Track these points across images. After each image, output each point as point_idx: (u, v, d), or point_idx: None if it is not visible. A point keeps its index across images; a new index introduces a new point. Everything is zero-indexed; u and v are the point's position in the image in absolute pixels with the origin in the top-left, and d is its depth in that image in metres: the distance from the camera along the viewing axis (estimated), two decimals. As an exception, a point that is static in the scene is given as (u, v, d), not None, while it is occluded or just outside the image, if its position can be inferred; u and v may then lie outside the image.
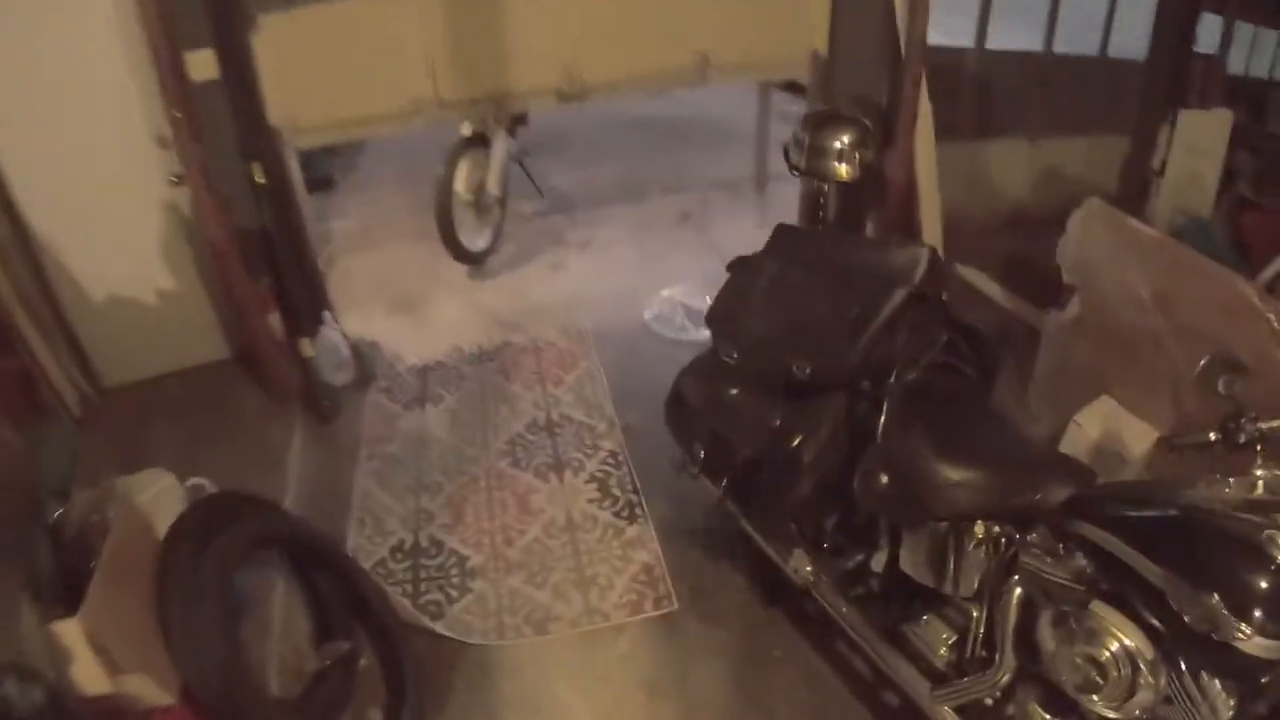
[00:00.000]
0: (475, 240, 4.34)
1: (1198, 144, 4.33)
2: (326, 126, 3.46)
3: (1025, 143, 4.51)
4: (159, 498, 2.33)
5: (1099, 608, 1.52)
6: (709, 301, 3.96)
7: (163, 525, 2.10)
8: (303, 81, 3.23)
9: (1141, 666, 1.46)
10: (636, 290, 4.06)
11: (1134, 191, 4.71)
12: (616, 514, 2.85)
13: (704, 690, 2.32)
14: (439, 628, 2.48)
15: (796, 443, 1.94)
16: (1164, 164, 4.51)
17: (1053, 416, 2.81)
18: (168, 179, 3.08)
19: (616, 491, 2.94)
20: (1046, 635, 1.63)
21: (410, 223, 4.72)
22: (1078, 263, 2.75)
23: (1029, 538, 1.72)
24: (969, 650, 1.87)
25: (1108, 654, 1.48)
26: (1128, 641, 1.47)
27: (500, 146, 4.27)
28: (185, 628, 1.88)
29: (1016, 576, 1.74)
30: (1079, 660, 1.53)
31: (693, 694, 2.32)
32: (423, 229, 4.36)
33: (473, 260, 4.32)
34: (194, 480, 2.48)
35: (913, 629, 1.97)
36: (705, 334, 3.72)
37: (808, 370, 1.92)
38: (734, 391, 2.18)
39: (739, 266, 2.30)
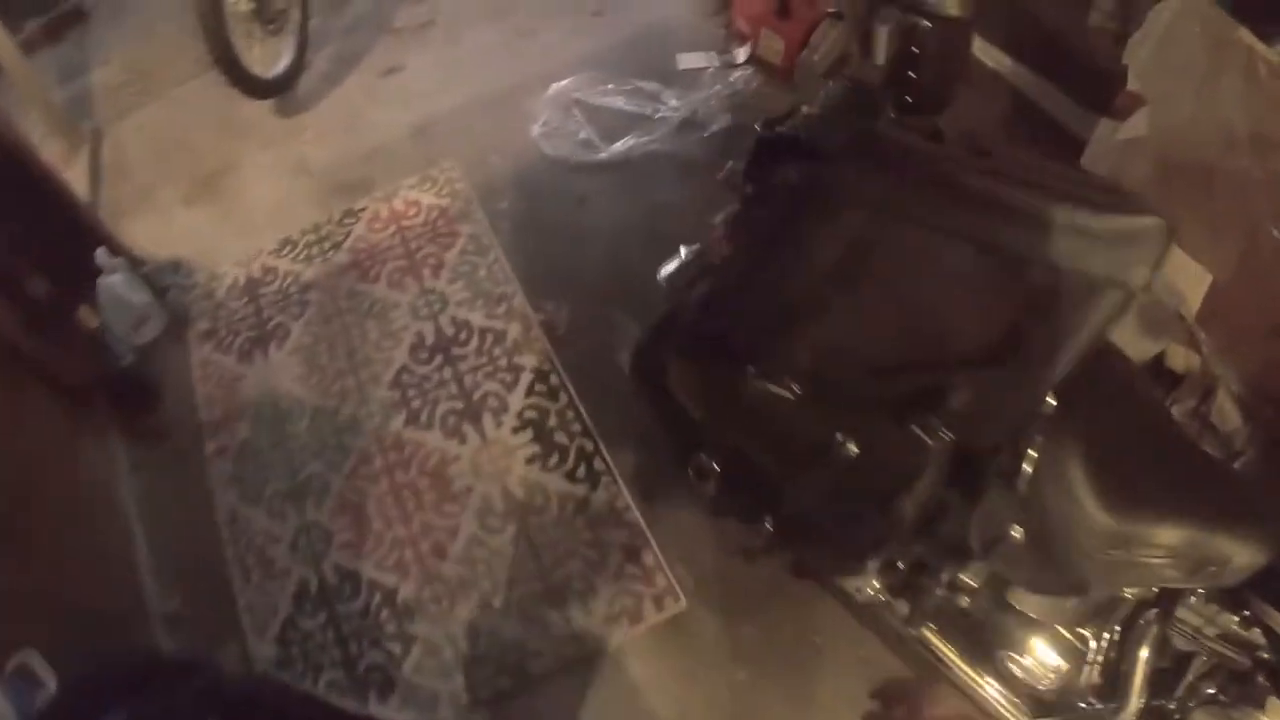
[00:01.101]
0: (272, 62, 3.02)
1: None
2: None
3: None
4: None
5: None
6: (609, 93, 2.85)
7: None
8: None
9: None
10: (512, 90, 2.88)
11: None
12: (570, 475, 2.11)
13: (747, 711, 1.81)
14: (395, 713, 1.87)
15: (890, 496, 1.16)
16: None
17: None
18: None
19: (561, 437, 2.17)
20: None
21: (197, 49, 3.39)
22: (1154, 70, 1.93)
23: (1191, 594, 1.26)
24: (1082, 677, 1.41)
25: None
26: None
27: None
28: None
29: (1157, 611, 1.31)
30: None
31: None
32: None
33: (274, 90, 3.03)
34: (17, 660, 1.67)
35: (1010, 654, 1.45)
36: (618, 148, 2.78)
37: (948, 436, 1.07)
38: (763, 387, 1.22)
39: (769, 198, 1.22)
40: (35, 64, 4.00)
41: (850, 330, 1.13)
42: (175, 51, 3.68)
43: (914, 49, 1.22)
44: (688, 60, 2.94)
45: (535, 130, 2.73)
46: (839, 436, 1.18)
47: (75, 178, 3.12)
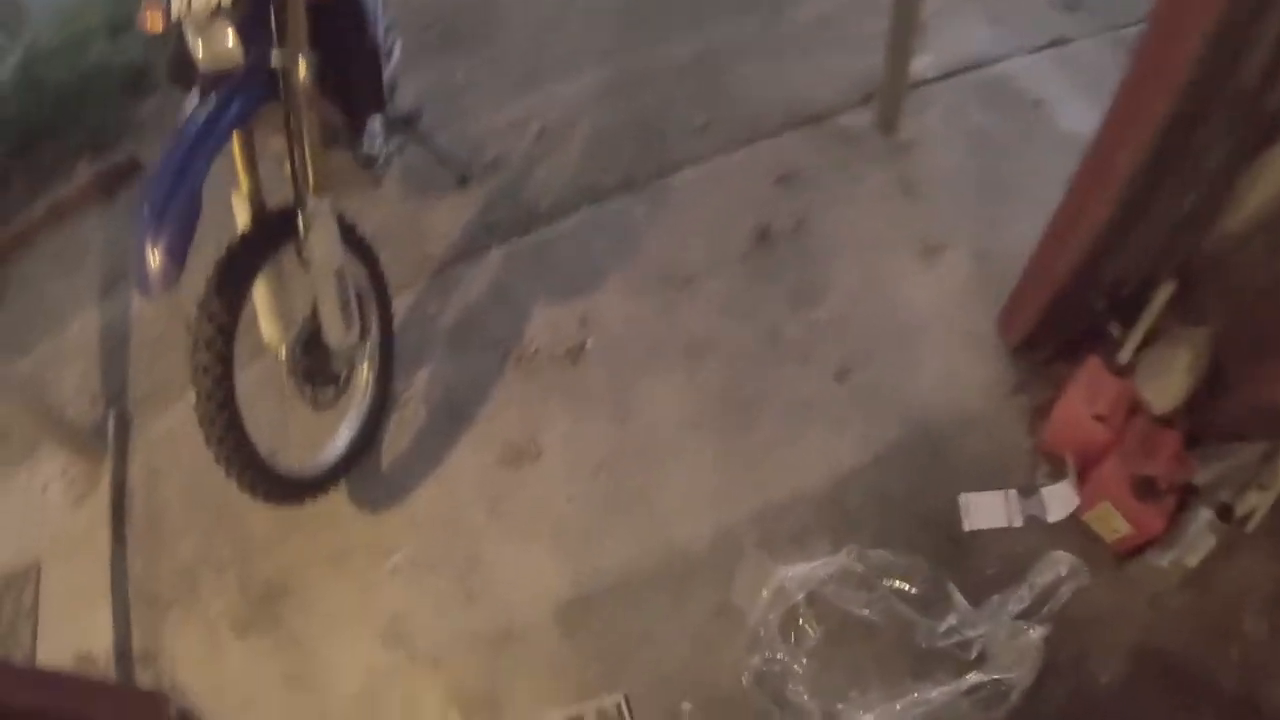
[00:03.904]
0: (325, 447, 2.06)
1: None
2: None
3: None
4: None
5: None
6: (862, 585, 1.76)
7: None
8: None
9: None
10: (715, 548, 1.90)
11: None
12: None
13: None
14: None
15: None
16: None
17: None
18: None
19: None
20: None
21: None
22: None
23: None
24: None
25: None
26: None
27: (326, 221, 1.77)
28: None
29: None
30: None
31: None
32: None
33: (315, 492, 2.04)
34: None
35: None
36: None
37: None
38: None
39: None
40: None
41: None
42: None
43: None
44: (977, 512, 1.93)
45: (749, 668, 1.76)
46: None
47: (94, 527, 2.30)
